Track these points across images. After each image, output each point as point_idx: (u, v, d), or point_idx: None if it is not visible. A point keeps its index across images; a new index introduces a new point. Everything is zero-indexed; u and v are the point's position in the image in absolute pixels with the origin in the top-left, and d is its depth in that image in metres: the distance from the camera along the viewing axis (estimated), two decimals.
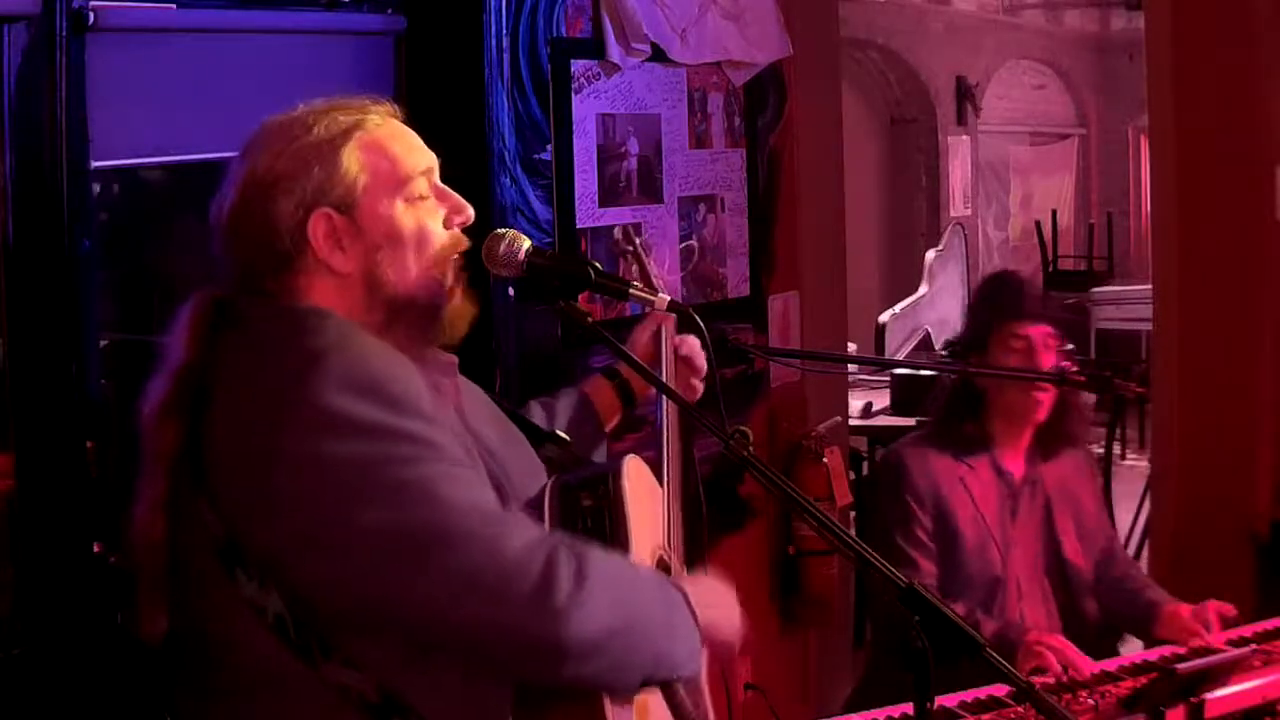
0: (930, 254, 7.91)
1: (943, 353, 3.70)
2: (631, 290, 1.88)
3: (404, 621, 1.47)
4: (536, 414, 2.12)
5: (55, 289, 2.05)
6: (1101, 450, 6.05)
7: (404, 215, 1.63)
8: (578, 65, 2.80)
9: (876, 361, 6.18)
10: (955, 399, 2.94)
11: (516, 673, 1.54)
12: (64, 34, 2.01)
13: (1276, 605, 2.85)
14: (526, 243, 1.83)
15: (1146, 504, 4.52)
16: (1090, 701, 2.28)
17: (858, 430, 4.89)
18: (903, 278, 9.31)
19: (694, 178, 3.14)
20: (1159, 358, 4.08)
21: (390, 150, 1.65)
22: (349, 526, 1.44)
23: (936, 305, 7.17)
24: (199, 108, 2.25)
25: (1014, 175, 12.27)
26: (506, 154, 2.63)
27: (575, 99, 2.80)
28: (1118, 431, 6.68)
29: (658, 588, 1.61)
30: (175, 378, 1.56)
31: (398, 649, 1.50)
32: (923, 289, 7.44)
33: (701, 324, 1.92)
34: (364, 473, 1.44)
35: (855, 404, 4.99)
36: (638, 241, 2.48)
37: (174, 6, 2.22)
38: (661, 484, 1.89)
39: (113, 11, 2.10)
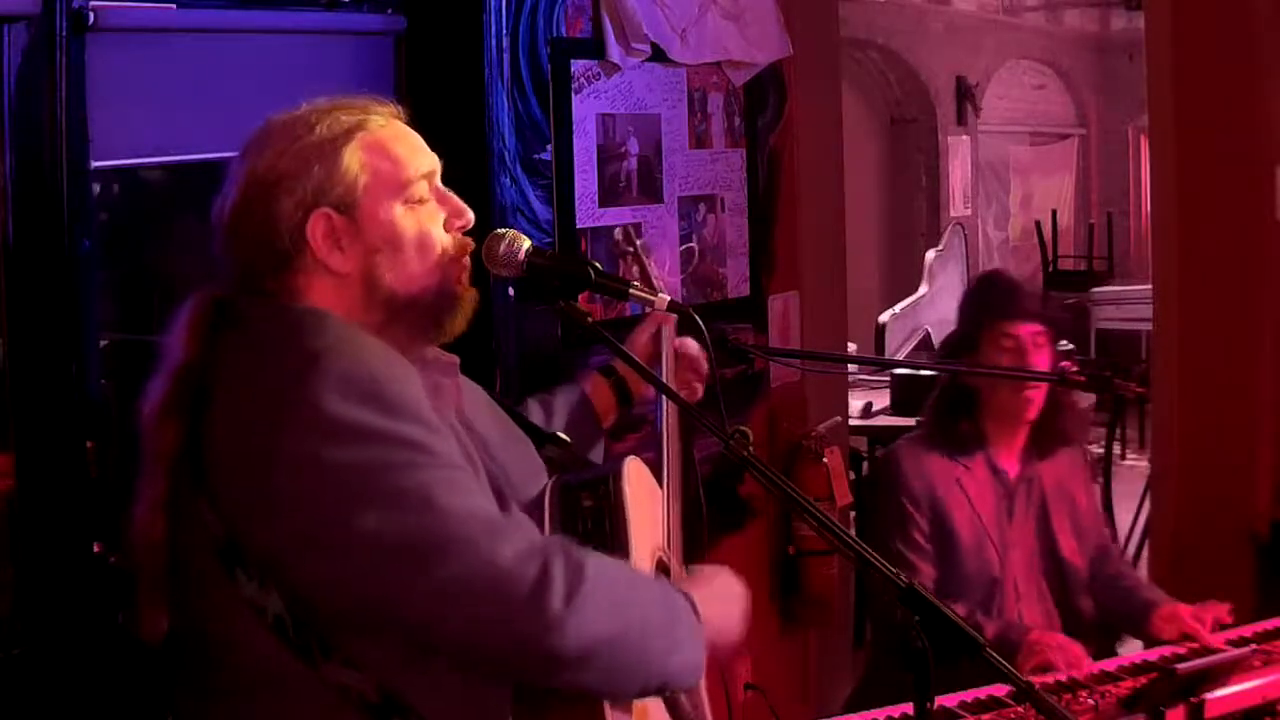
0: (930, 254, 7.92)
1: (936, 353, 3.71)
2: (631, 290, 1.88)
3: (402, 623, 1.47)
4: (534, 412, 2.12)
5: (55, 289, 2.04)
6: (1101, 450, 6.05)
7: (404, 218, 1.63)
8: (578, 65, 2.80)
9: (876, 361, 6.18)
10: (948, 399, 2.94)
11: (514, 678, 1.54)
12: (64, 34, 2.01)
13: (1276, 605, 2.85)
14: (526, 243, 1.83)
15: (1146, 504, 4.52)
16: (1090, 701, 2.28)
17: (858, 430, 4.89)
18: (903, 278, 9.31)
19: (694, 178, 3.14)
20: (1159, 358, 4.08)
21: (392, 152, 1.65)
22: (348, 528, 1.44)
23: (936, 305, 7.17)
24: (199, 108, 2.25)
25: (1014, 175, 12.28)
26: (506, 154, 2.63)
27: (575, 99, 2.80)
28: (1118, 431, 6.68)
29: (661, 596, 1.60)
30: (175, 377, 1.56)
31: (397, 649, 1.50)
32: (923, 289, 7.44)
33: (702, 324, 1.92)
34: (363, 478, 1.44)
35: (855, 404, 4.99)
36: (638, 243, 2.48)
37: (174, 6, 2.22)
38: (661, 485, 1.89)
39: (113, 11, 2.10)
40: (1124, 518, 5.40)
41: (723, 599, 1.72)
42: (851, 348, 5.04)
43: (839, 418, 3.79)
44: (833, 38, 3.85)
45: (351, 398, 1.46)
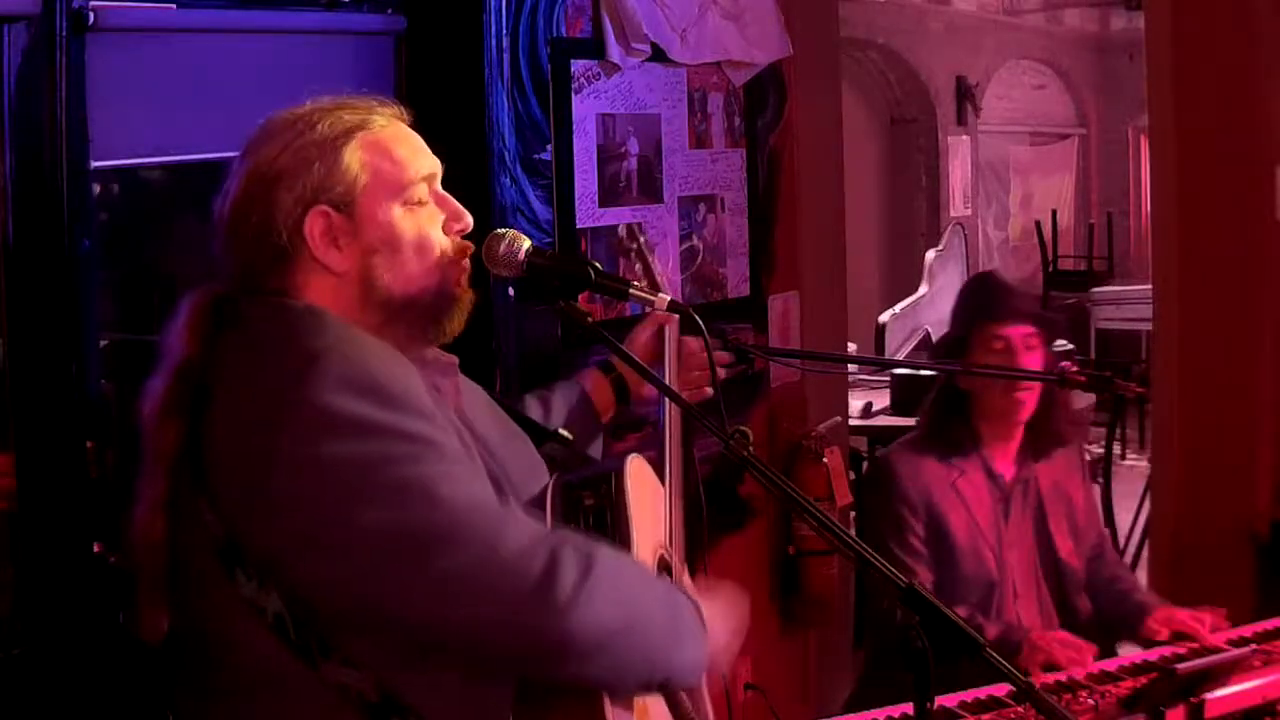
0: (930, 254, 7.92)
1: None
2: (632, 290, 1.89)
3: (405, 620, 1.47)
4: (532, 408, 2.12)
5: (55, 289, 2.04)
6: (1101, 450, 6.05)
7: (403, 219, 1.63)
8: (578, 65, 2.80)
9: (876, 361, 6.18)
10: (942, 402, 2.95)
11: (518, 671, 1.53)
12: (64, 34, 2.01)
13: (1276, 605, 2.85)
14: (526, 243, 1.83)
15: (1146, 504, 4.52)
16: (1090, 701, 2.28)
17: (858, 430, 4.89)
18: (903, 278, 9.31)
19: (694, 178, 3.14)
20: (1159, 358, 4.08)
21: (393, 152, 1.65)
22: (349, 526, 1.44)
23: (936, 305, 7.17)
24: (199, 108, 2.25)
25: (1014, 175, 12.27)
26: (506, 154, 2.63)
27: (575, 99, 2.79)
28: (1118, 431, 6.67)
29: (665, 592, 1.61)
30: (175, 377, 1.56)
31: (397, 649, 1.50)
32: (923, 289, 7.45)
33: (702, 324, 1.92)
34: (363, 473, 1.44)
35: (855, 404, 4.99)
36: (641, 240, 2.47)
37: (174, 6, 2.22)
38: (664, 483, 1.89)
39: (113, 11, 2.10)
40: (1124, 518, 5.41)
41: (723, 615, 1.72)
42: (851, 348, 5.04)
43: (839, 418, 3.79)
44: (833, 38, 3.85)
45: (352, 393, 1.46)
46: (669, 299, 1.91)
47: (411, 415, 1.49)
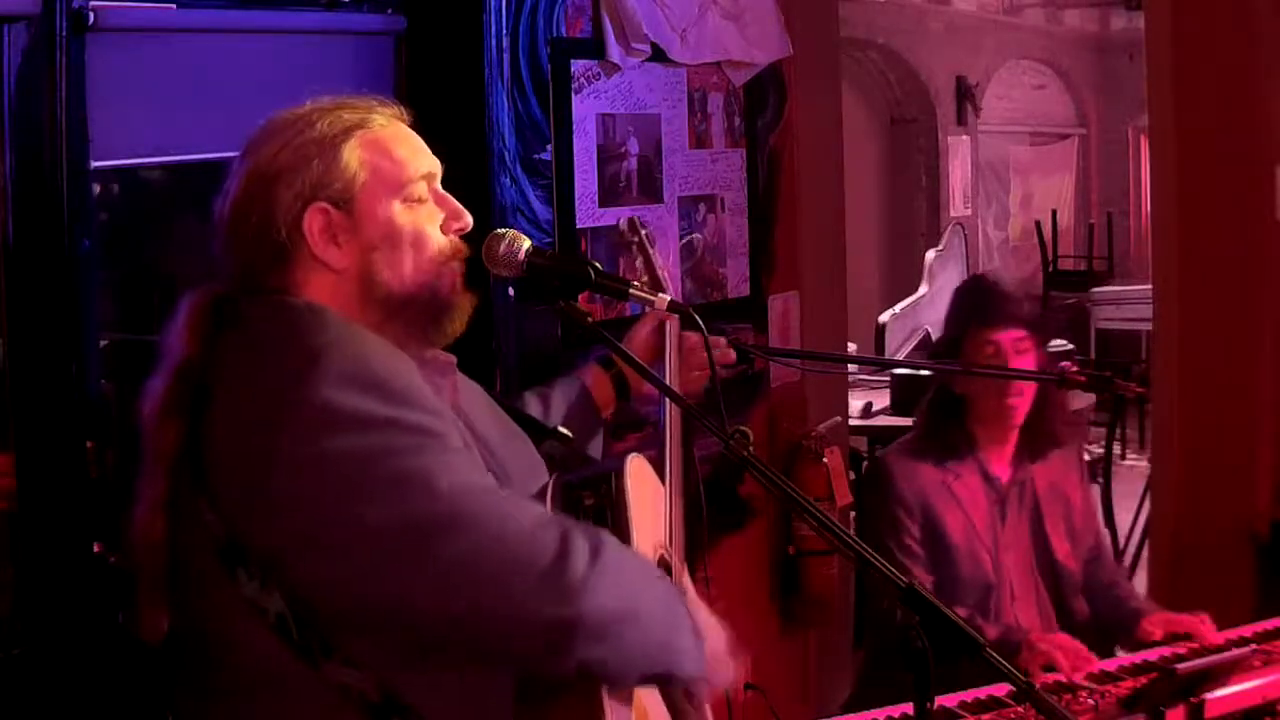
0: (930, 254, 7.92)
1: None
2: (632, 290, 1.88)
3: (411, 616, 1.46)
4: (532, 405, 2.12)
5: (55, 289, 2.05)
6: (1101, 450, 6.05)
7: (401, 216, 1.64)
8: (578, 65, 2.80)
9: (876, 361, 6.18)
10: (937, 405, 2.95)
11: (524, 659, 1.51)
12: (64, 34, 2.01)
13: (1276, 605, 2.86)
14: (526, 243, 1.83)
15: (1146, 504, 4.52)
16: (1090, 701, 2.28)
17: (858, 430, 4.89)
18: (903, 278, 9.31)
19: (694, 178, 3.14)
20: (1159, 358, 4.08)
21: (393, 151, 1.65)
22: (350, 524, 1.44)
23: (936, 305, 7.16)
24: (199, 108, 2.25)
25: (1014, 175, 12.27)
26: (506, 154, 2.63)
27: (575, 99, 2.79)
28: (1118, 431, 6.67)
29: (664, 583, 1.62)
30: (175, 377, 1.56)
31: (398, 648, 1.49)
32: (923, 289, 7.44)
33: (702, 324, 1.92)
34: (364, 466, 1.44)
35: (855, 404, 4.99)
36: (643, 232, 2.47)
37: (174, 6, 2.22)
38: (663, 483, 1.89)
39: (113, 11, 2.10)
40: (1124, 518, 5.41)
41: (710, 623, 1.72)
42: (851, 348, 5.04)
43: (839, 418, 3.79)
44: (833, 38, 3.85)
45: (352, 389, 1.46)
46: (669, 299, 1.91)
47: (413, 408, 1.49)
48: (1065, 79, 12.66)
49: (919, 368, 5.32)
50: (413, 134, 1.70)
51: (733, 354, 2.34)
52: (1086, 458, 3.66)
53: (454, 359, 1.74)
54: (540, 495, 1.68)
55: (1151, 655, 2.56)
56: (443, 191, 1.70)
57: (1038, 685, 1.95)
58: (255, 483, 1.46)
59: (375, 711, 1.49)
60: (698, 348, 2.20)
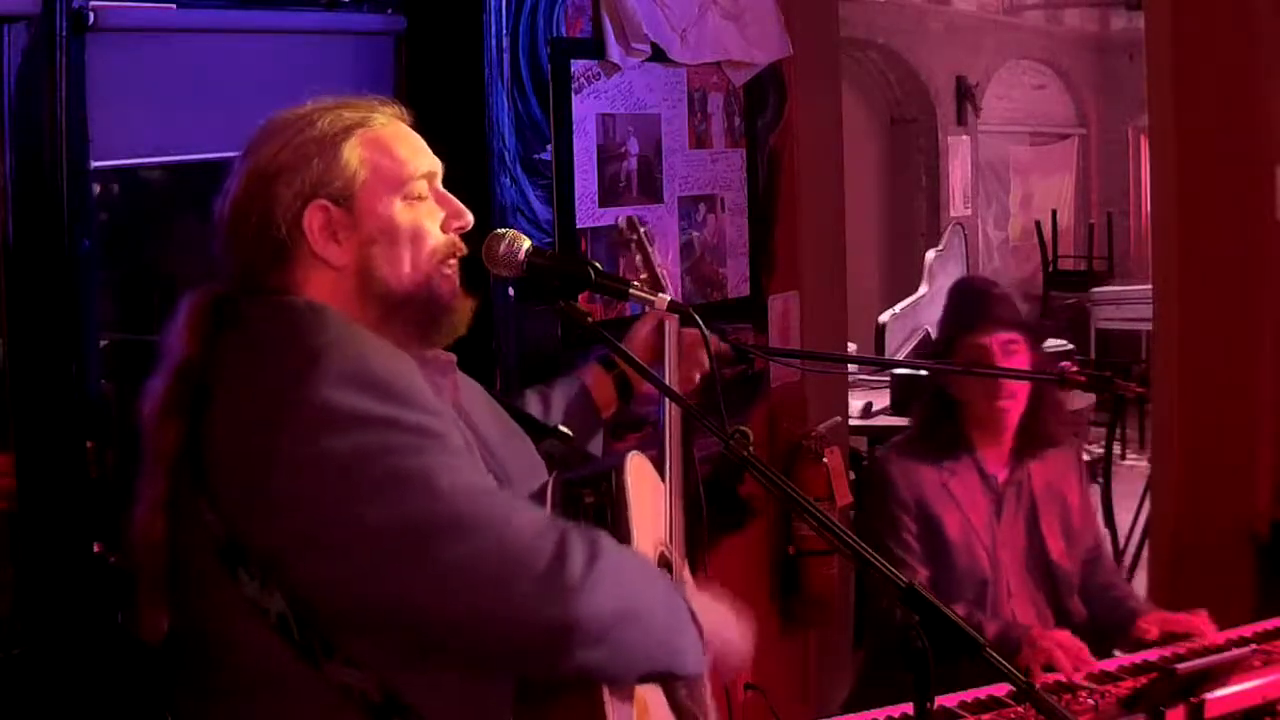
0: (930, 254, 7.91)
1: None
2: (632, 290, 1.88)
3: (410, 616, 1.46)
4: (532, 404, 2.12)
5: (55, 289, 2.05)
6: (1101, 450, 6.05)
7: (401, 213, 1.64)
8: (578, 65, 2.80)
9: (876, 361, 6.17)
10: (932, 407, 2.95)
11: (522, 663, 1.52)
12: (64, 34, 2.01)
13: (1276, 605, 2.85)
14: (526, 243, 1.84)
15: (1146, 504, 4.52)
16: (1090, 701, 2.28)
17: (858, 430, 4.89)
18: (903, 278, 9.31)
19: (694, 178, 3.14)
20: (1159, 358, 4.08)
21: (393, 149, 1.66)
22: (350, 524, 1.44)
23: (936, 305, 7.11)
24: (199, 108, 2.25)
25: (1014, 175, 12.27)
26: (506, 154, 2.63)
27: (575, 99, 2.80)
28: (1118, 431, 6.67)
29: (663, 582, 1.62)
30: (175, 377, 1.56)
31: (398, 648, 1.49)
32: (923, 289, 7.44)
33: (702, 324, 1.92)
34: (363, 465, 1.44)
35: (855, 404, 4.99)
36: (641, 231, 2.47)
37: (174, 6, 2.22)
38: (664, 480, 1.89)
39: (113, 11, 2.10)
40: (1124, 518, 5.41)
41: (714, 605, 1.72)
42: (851, 348, 5.04)
43: (839, 418, 3.79)
44: (833, 38, 3.85)
45: (352, 388, 1.46)
46: (669, 299, 1.91)
47: (413, 408, 1.49)
48: (1065, 79, 12.65)
49: (919, 368, 5.32)
50: (413, 133, 1.71)
51: (726, 345, 2.35)
52: (1086, 458, 3.66)
53: (454, 358, 1.74)
54: (540, 494, 1.68)
55: (1151, 655, 2.56)
56: (444, 191, 1.70)
57: (1038, 684, 1.96)
58: (255, 482, 1.46)
59: (376, 712, 1.49)
60: (696, 343, 2.20)
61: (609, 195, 2.89)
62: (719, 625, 1.67)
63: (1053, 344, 4.60)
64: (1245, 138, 3.78)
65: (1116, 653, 2.74)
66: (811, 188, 3.56)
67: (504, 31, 2.62)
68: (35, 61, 2.01)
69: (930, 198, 10.79)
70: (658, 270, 2.34)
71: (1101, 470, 5.91)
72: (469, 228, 1.71)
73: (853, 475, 3.74)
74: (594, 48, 2.84)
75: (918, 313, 7.12)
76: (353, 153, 1.62)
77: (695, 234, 3.15)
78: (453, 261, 1.68)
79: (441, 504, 1.45)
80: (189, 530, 1.52)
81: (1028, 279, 11.44)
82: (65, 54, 2.01)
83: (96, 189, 2.22)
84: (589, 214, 2.83)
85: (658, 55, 2.97)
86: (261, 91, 2.25)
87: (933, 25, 10.71)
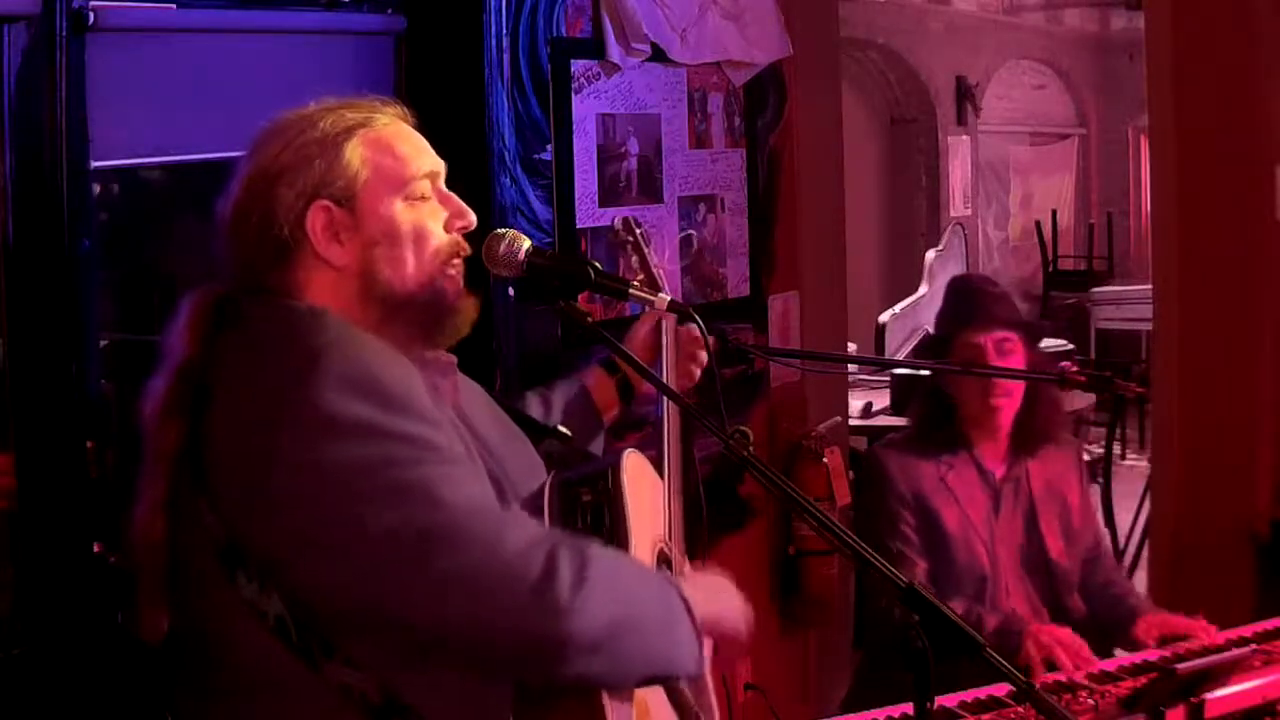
0: (930, 254, 7.90)
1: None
2: (631, 290, 1.89)
3: (406, 621, 1.47)
4: (533, 405, 2.12)
5: (55, 289, 2.05)
6: (1101, 450, 6.05)
7: (403, 213, 1.64)
8: (578, 65, 2.80)
9: (876, 361, 6.17)
10: (929, 405, 2.96)
11: (518, 672, 1.53)
12: (64, 34, 2.01)
13: (1276, 605, 2.85)
14: (526, 243, 1.84)
15: (1146, 504, 4.52)
16: (1090, 701, 2.28)
17: (858, 430, 4.89)
18: (903, 278, 9.30)
19: (694, 178, 3.14)
20: (1159, 358, 4.08)
21: (395, 149, 1.65)
22: (349, 528, 1.44)
23: (936, 305, 7.13)
24: (199, 108, 2.26)
25: (1014, 175, 12.27)
26: (506, 154, 2.63)
27: (575, 99, 2.80)
28: (1118, 431, 6.67)
29: (658, 586, 1.62)
30: (175, 377, 1.56)
31: (397, 649, 1.49)
32: (923, 289, 7.43)
33: (701, 323, 1.92)
34: (363, 475, 1.44)
35: (855, 404, 4.99)
36: (638, 232, 2.47)
37: (174, 6, 2.22)
38: (662, 478, 1.89)
39: (113, 11, 2.10)
40: (1124, 518, 5.40)
41: (715, 591, 1.72)
42: (851, 348, 5.04)
43: (839, 418, 3.79)
44: (833, 38, 3.85)
45: (352, 394, 1.46)
46: (669, 298, 1.91)
47: (413, 418, 1.49)
48: (1065, 79, 12.65)
49: (918, 367, 5.32)
50: (416, 133, 1.70)
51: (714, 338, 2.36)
52: (1086, 458, 3.66)
53: (455, 359, 1.74)
54: (538, 493, 1.68)
55: (1151, 655, 2.56)
56: (446, 191, 1.70)
57: (1038, 683, 1.96)
58: (255, 482, 1.46)
59: (376, 712, 1.49)
60: (694, 341, 2.20)
61: (609, 195, 2.89)
62: (717, 616, 1.67)
63: (1053, 344, 4.60)
64: (1245, 138, 3.78)
65: (1117, 652, 2.74)
66: (811, 188, 3.56)
67: (504, 31, 2.62)
68: (35, 61, 2.01)
69: (930, 198, 10.79)
70: (654, 270, 2.35)
71: (1101, 470, 5.90)
72: (472, 227, 1.71)
73: (852, 475, 3.75)
74: (594, 48, 2.84)
75: (918, 313, 7.11)
76: (354, 153, 1.62)
77: (695, 234, 3.15)
78: (457, 261, 1.68)
79: (441, 514, 1.45)
80: (189, 530, 1.52)
81: (1028, 279, 11.44)
82: (65, 54, 2.02)
83: (96, 189, 2.22)
84: (589, 214, 2.83)
85: (658, 55, 2.97)
86: (261, 91, 2.26)
87: (933, 25, 10.71)
